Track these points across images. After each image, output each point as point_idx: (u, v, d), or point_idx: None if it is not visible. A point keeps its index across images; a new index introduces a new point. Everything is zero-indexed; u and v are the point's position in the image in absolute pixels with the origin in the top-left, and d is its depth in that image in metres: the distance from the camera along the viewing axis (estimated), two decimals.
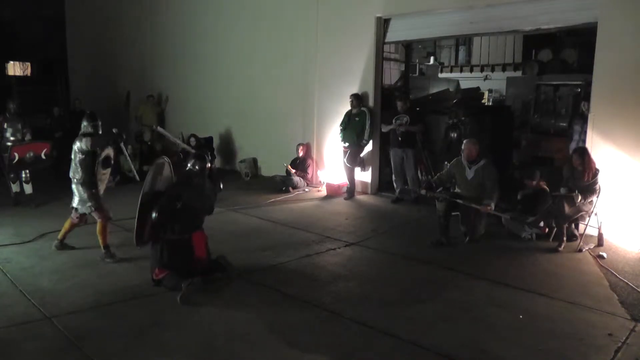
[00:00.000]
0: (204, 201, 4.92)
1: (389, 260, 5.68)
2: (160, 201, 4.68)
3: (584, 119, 7.04)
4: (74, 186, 5.52)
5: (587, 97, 7.04)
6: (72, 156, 5.48)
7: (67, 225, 5.69)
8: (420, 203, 7.85)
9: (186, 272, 4.57)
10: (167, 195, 4.73)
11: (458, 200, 6.08)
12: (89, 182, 5.43)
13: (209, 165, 4.92)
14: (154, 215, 4.60)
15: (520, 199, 6.53)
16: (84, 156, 5.38)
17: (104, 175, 5.63)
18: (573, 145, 7.41)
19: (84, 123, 5.52)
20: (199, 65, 11.64)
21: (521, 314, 4.25)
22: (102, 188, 5.61)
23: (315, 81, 9.40)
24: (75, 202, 5.55)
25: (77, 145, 5.38)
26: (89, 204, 5.45)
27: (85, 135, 5.41)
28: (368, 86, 8.64)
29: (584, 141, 6.77)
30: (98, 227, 5.48)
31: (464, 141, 6.36)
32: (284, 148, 9.77)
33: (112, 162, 5.75)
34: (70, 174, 5.51)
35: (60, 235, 5.74)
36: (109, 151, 5.61)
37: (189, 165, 4.88)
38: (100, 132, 5.57)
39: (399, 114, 8.08)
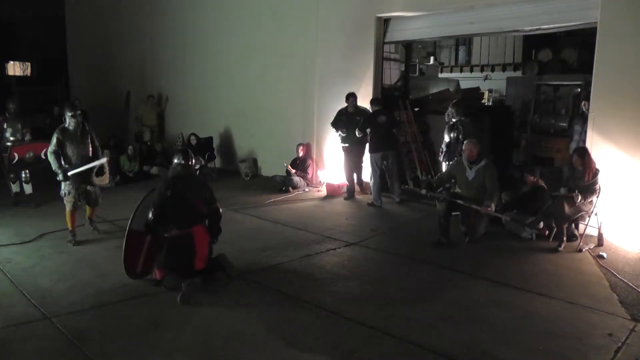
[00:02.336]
0: (196, 189, 4.80)
1: (389, 260, 5.68)
2: (153, 200, 4.69)
3: (584, 119, 7.04)
4: None
5: (587, 97, 7.04)
6: None
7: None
8: (374, 207, 7.87)
9: (187, 271, 4.55)
10: (157, 192, 4.73)
11: (458, 201, 6.09)
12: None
13: (194, 160, 4.92)
14: (149, 215, 4.63)
15: (508, 201, 6.55)
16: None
17: (102, 182, 6.01)
18: (573, 145, 7.41)
19: (66, 113, 5.96)
20: (199, 66, 11.64)
21: (521, 314, 4.24)
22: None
23: (315, 81, 9.40)
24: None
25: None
26: (64, 189, 5.85)
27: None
28: (368, 86, 8.64)
29: (584, 141, 6.77)
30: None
31: (465, 141, 6.36)
32: (284, 148, 9.77)
33: (106, 170, 6.08)
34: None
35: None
36: (103, 160, 5.96)
37: (174, 160, 4.84)
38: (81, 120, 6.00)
39: None
